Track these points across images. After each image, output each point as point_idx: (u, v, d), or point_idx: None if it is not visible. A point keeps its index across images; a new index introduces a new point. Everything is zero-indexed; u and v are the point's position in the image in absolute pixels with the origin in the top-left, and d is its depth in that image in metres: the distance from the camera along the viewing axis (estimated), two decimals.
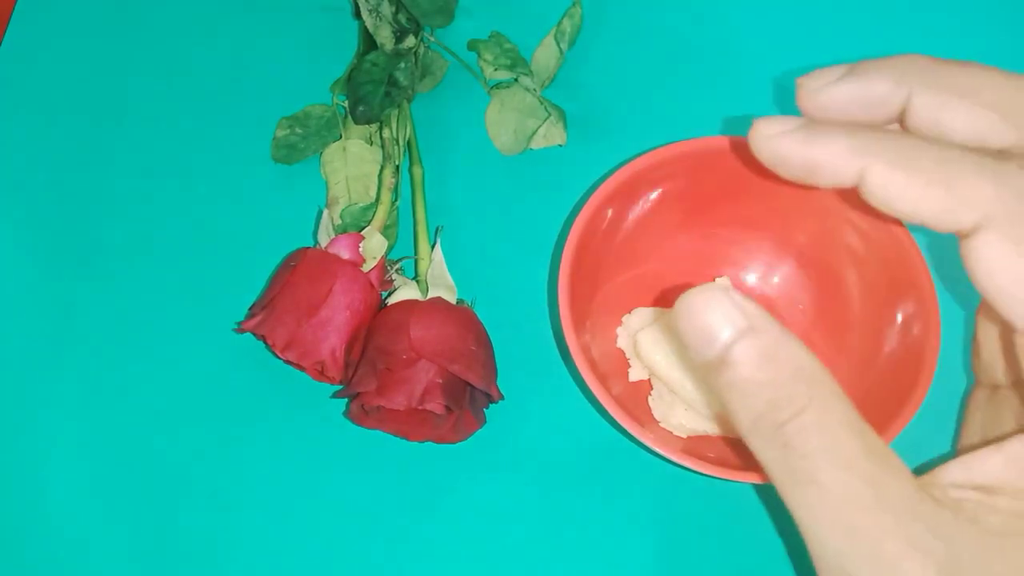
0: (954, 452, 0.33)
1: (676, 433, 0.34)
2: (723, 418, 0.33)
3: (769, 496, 0.35)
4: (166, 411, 0.36)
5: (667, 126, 0.40)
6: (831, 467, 0.21)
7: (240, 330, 0.34)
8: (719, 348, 0.22)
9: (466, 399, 0.33)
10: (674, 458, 0.29)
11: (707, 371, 0.22)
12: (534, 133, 0.40)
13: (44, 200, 0.40)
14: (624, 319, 0.36)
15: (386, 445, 0.35)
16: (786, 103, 0.41)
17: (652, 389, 0.35)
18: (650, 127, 0.40)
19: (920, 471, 0.32)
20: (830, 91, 0.25)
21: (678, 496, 0.35)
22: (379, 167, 0.39)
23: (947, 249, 0.33)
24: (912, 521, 0.21)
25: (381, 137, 0.39)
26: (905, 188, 0.22)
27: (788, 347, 0.22)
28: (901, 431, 0.29)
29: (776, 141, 0.24)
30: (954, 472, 0.23)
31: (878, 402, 0.31)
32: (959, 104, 0.23)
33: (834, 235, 0.34)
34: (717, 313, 0.22)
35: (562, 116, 0.40)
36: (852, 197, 0.32)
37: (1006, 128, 0.23)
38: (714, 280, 0.36)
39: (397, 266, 0.37)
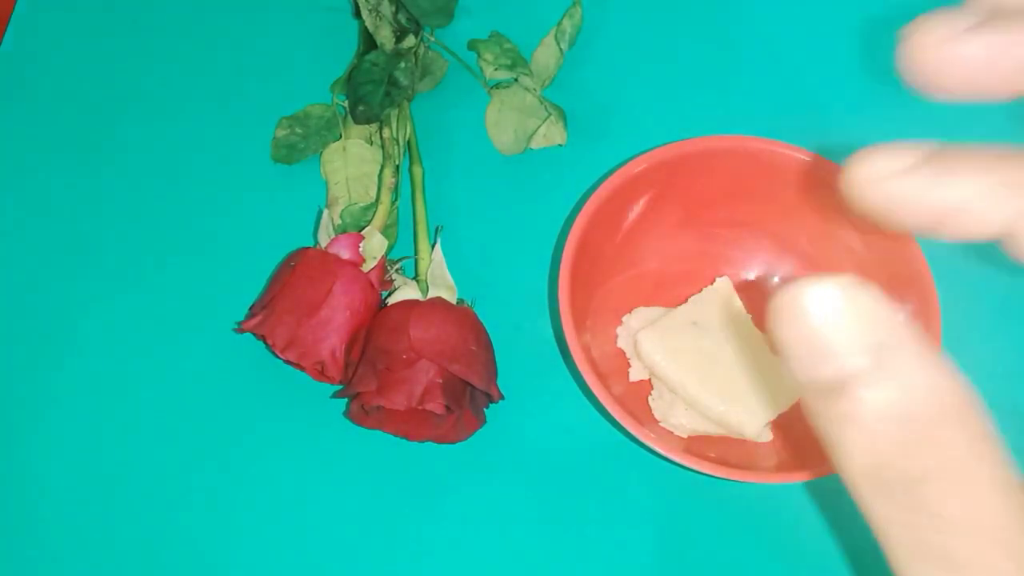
0: None
1: (676, 433, 0.34)
2: (724, 420, 0.33)
3: (768, 496, 0.35)
4: (166, 410, 0.36)
5: (667, 126, 0.40)
6: (978, 548, 0.16)
7: (240, 330, 0.34)
8: (839, 371, 0.16)
9: (466, 399, 0.33)
10: (674, 457, 0.29)
11: (813, 392, 0.16)
12: (534, 133, 0.40)
13: (44, 200, 0.40)
14: (624, 319, 0.36)
15: (386, 445, 0.35)
16: (785, 106, 0.41)
17: (652, 389, 0.35)
18: (650, 127, 0.40)
19: None
20: (958, 47, 0.17)
21: (678, 496, 0.35)
22: (379, 167, 0.39)
23: (947, 248, 0.33)
24: None
25: (381, 137, 0.39)
26: None
27: (933, 374, 0.16)
28: None
29: (893, 184, 0.17)
30: None
31: None
32: None
33: (834, 235, 0.34)
34: (841, 324, 0.16)
35: (562, 116, 0.40)
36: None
37: None
38: (714, 281, 0.35)
39: (397, 266, 0.37)
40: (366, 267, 0.35)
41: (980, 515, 0.16)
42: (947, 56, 0.18)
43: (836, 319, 0.16)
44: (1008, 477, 0.16)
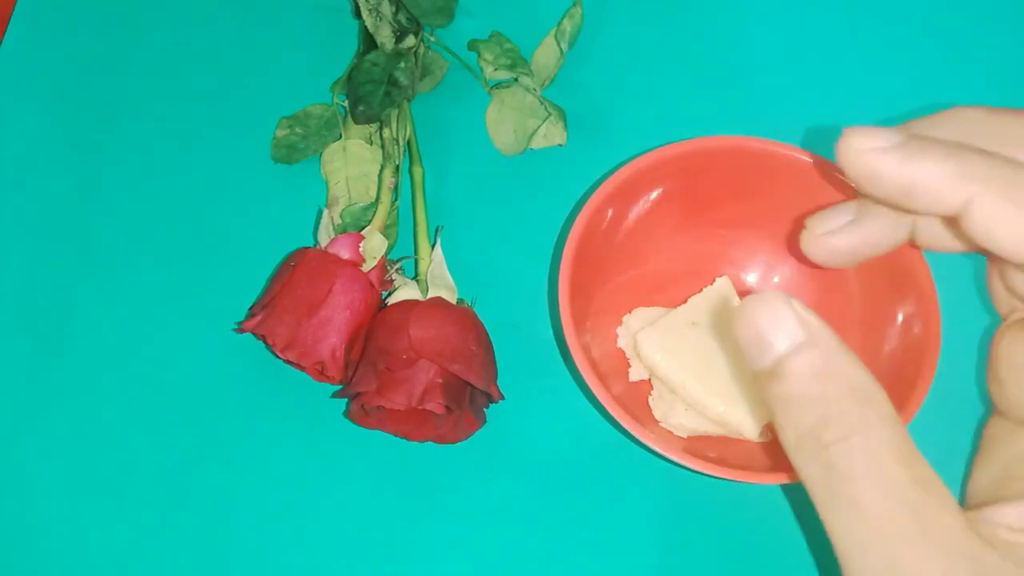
0: (966, 477, 0.32)
1: (676, 433, 0.34)
2: (724, 420, 0.33)
3: (767, 496, 0.35)
4: (166, 411, 0.36)
5: (667, 126, 0.40)
6: (875, 493, 0.20)
7: (240, 330, 0.34)
8: (773, 358, 0.21)
9: (466, 399, 0.33)
10: (674, 458, 0.29)
11: (759, 380, 0.22)
12: (534, 133, 0.40)
13: (44, 200, 0.40)
14: (624, 319, 0.36)
15: (386, 445, 0.35)
16: (785, 106, 0.41)
17: (652, 389, 0.35)
18: (650, 127, 0.40)
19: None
20: (833, 239, 0.26)
21: (678, 496, 0.35)
22: (379, 167, 0.39)
23: None
24: (957, 559, 0.19)
25: (381, 137, 0.39)
26: (1016, 224, 0.19)
27: (844, 364, 0.21)
28: None
29: (871, 157, 0.21)
30: (1010, 514, 0.22)
31: None
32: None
33: None
34: (776, 322, 0.21)
35: (562, 116, 0.40)
36: (851, 195, 0.32)
37: None
38: (714, 281, 0.36)
39: (397, 266, 0.37)
40: (366, 267, 0.35)
41: (879, 471, 0.20)
42: (826, 244, 0.26)
43: (775, 319, 0.21)
44: (907, 447, 0.20)
